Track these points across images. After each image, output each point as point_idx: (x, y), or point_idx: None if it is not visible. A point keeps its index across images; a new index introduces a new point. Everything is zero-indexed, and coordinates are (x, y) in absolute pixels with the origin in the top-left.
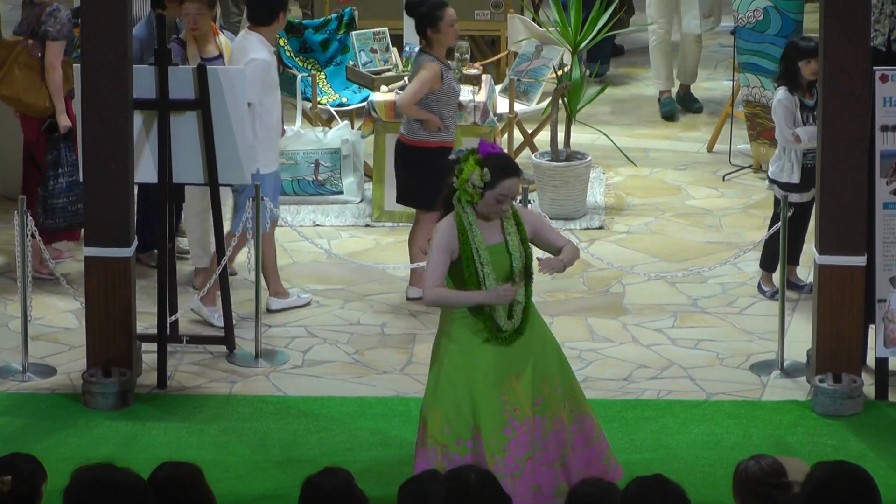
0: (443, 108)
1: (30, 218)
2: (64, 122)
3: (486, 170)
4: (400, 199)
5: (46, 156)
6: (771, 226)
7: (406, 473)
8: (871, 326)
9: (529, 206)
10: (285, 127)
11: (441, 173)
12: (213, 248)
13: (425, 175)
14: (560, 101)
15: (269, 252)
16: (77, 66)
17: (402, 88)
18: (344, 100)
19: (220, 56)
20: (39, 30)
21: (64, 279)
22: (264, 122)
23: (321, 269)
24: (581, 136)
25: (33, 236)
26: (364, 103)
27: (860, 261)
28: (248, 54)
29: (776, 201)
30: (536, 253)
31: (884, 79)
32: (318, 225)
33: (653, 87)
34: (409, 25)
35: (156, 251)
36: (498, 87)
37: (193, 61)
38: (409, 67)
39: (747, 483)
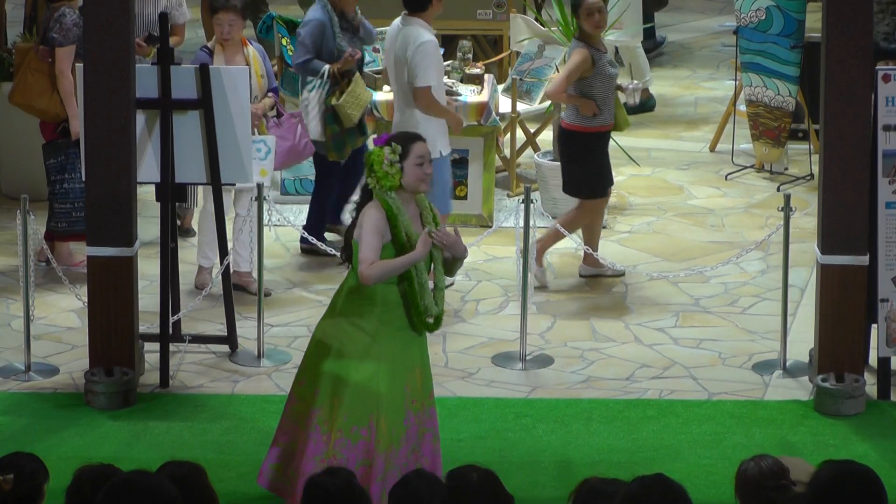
0: (596, 93)
1: (32, 217)
2: (75, 128)
3: (393, 144)
4: (565, 189)
5: (49, 160)
6: None
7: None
8: (874, 326)
9: (532, 205)
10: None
11: (596, 159)
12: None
13: (583, 160)
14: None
15: None
16: (80, 66)
17: None
18: None
19: (248, 67)
20: (48, 36)
21: (66, 279)
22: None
23: (322, 269)
24: None
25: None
26: None
27: (862, 260)
28: (416, 39)
29: None
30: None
31: (886, 78)
32: None
33: (654, 88)
34: None
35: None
36: (500, 87)
37: None
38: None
39: (747, 484)
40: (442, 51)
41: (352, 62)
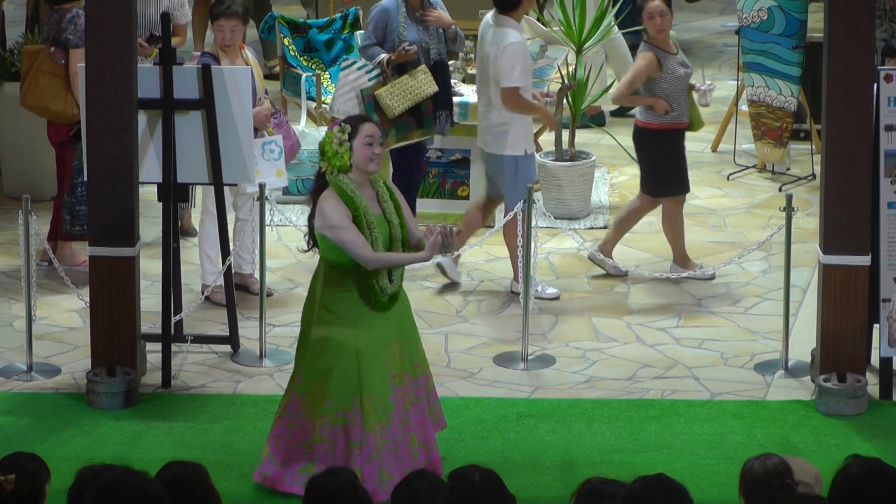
0: (666, 93)
1: (34, 218)
2: None
3: (342, 124)
4: (641, 186)
5: (74, 161)
6: None
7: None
8: (876, 326)
9: (534, 205)
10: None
11: (670, 156)
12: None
13: (655, 157)
14: (564, 101)
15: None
16: (81, 66)
17: None
18: None
19: (250, 67)
20: (61, 37)
21: (68, 279)
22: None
23: None
24: (585, 136)
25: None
26: None
27: (864, 260)
28: (504, 39)
29: None
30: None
31: (888, 78)
32: None
33: None
34: None
35: None
36: None
37: None
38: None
39: (752, 482)
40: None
41: (405, 56)
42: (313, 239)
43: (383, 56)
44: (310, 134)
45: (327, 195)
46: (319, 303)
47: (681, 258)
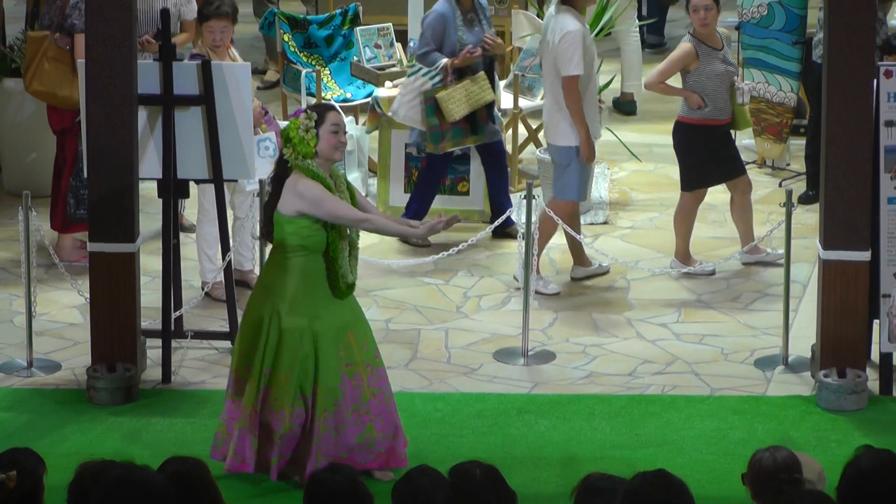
0: (702, 88)
1: (34, 214)
2: None
3: (307, 112)
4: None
5: (79, 146)
6: None
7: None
8: (876, 321)
9: (534, 201)
10: None
11: (699, 151)
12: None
13: (687, 151)
14: None
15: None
16: (81, 62)
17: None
18: (348, 95)
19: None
20: (66, 23)
21: (68, 274)
22: (583, 94)
23: None
24: None
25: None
26: (368, 99)
27: (864, 256)
28: (562, 28)
29: None
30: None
31: (888, 74)
32: None
33: None
34: (413, 21)
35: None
36: (502, 83)
37: None
38: (413, 63)
39: (760, 474)
40: None
41: (471, 59)
42: (269, 225)
43: (445, 61)
44: None
45: (297, 177)
46: (278, 293)
47: (683, 254)
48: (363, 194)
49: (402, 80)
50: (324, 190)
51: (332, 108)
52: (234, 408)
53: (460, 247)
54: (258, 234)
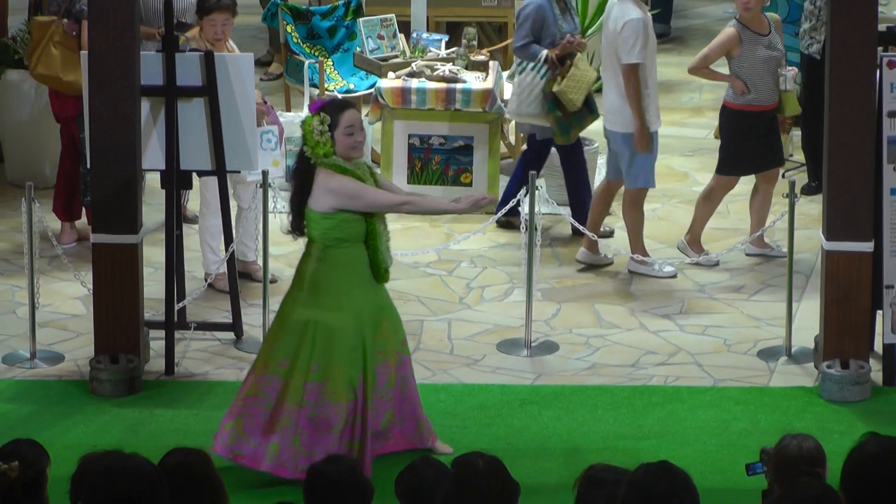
0: (745, 73)
1: (37, 205)
2: None
3: (321, 114)
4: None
5: (81, 132)
6: None
7: (412, 458)
8: (879, 312)
9: (537, 192)
10: (293, 113)
11: (744, 136)
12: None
13: (730, 136)
14: None
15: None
16: (84, 53)
17: (409, 75)
18: (351, 86)
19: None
20: (73, 9)
21: (71, 266)
22: (645, 82)
23: None
24: None
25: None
26: (371, 90)
27: (867, 247)
28: (624, 16)
29: None
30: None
31: (891, 65)
32: None
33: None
34: (416, 12)
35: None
36: (505, 74)
37: None
38: (417, 54)
39: (784, 460)
40: (446, 38)
41: (570, 48)
42: (299, 219)
43: (546, 52)
44: None
45: (326, 175)
46: (322, 289)
47: (694, 239)
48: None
49: (405, 70)
50: (357, 183)
51: (347, 107)
52: (254, 403)
53: (464, 236)
54: (286, 229)
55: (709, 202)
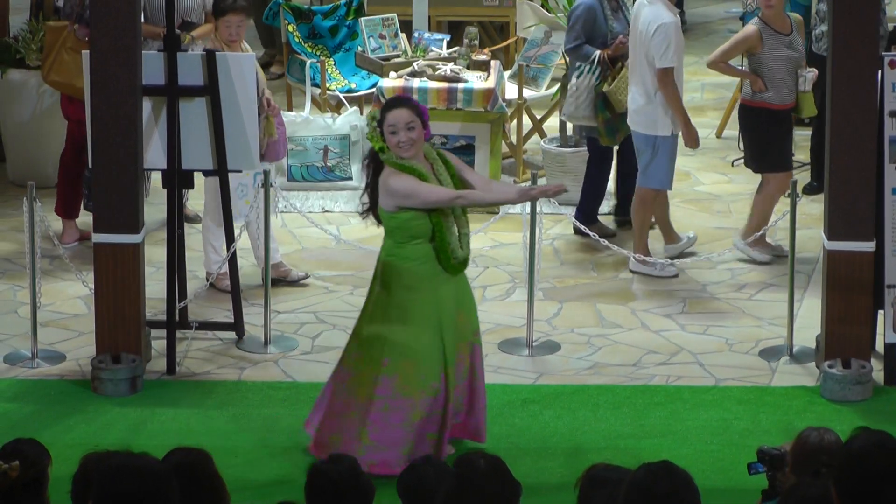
0: (764, 71)
1: (39, 205)
2: None
3: (372, 110)
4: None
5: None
6: None
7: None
8: (880, 312)
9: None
10: (295, 113)
11: (762, 134)
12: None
13: (752, 133)
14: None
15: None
16: (86, 53)
17: (411, 75)
18: (353, 86)
19: (254, 54)
20: (85, 14)
21: (73, 265)
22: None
23: (330, 255)
24: None
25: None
26: (373, 89)
27: (869, 246)
28: (657, 20)
29: None
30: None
31: (892, 64)
32: (326, 211)
33: None
34: (418, 11)
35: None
36: (507, 73)
37: None
38: (418, 53)
39: (804, 450)
40: (448, 37)
41: (623, 48)
42: (375, 209)
43: (599, 52)
44: (314, 120)
45: (387, 173)
46: (398, 283)
47: (751, 232)
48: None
49: (406, 70)
50: (412, 181)
51: (395, 106)
52: (343, 400)
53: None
54: (359, 210)
55: (764, 201)
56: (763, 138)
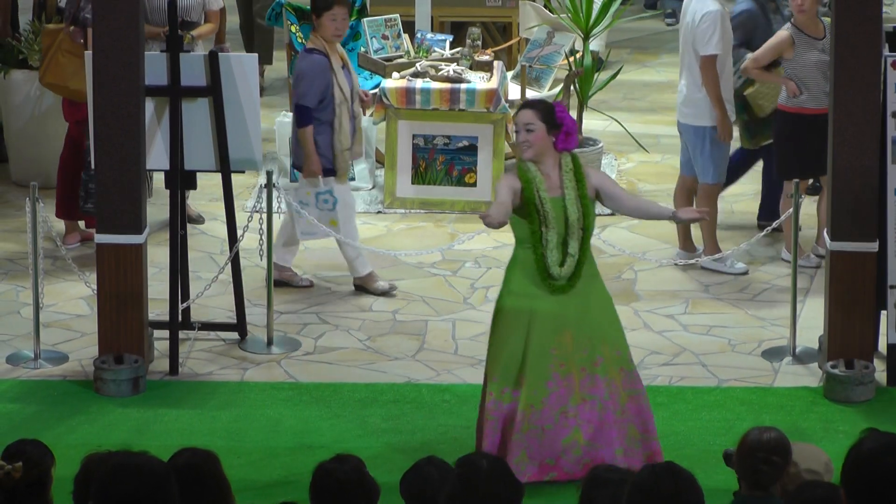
0: (798, 76)
1: (41, 205)
2: None
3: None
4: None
5: (88, 140)
6: None
7: (416, 458)
8: (883, 312)
9: None
10: None
11: (794, 141)
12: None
13: (784, 139)
14: (572, 88)
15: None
16: (88, 54)
17: (413, 75)
18: None
19: (345, 66)
20: (79, 16)
21: (75, 266)
22: (720, 73)
23: (333, 256)
24: (593, 123)
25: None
26: (376, 90)
27: (872, 247)
28: (702, 9)
29: None
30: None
31: (895, 65)
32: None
33: (663, 74)
34: (420, 12)
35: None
36: (510, 74)
37: (341, 75)
38: (421, 54)
39: (741, 449)
40: (451, 38)
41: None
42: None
43: (749, 55)
44: None
45: (511, 168)
46: (505, 281)
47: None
48: (370, 186)
49: (409, 70)
50: (503, 185)
51: (525, 105)
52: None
53: (469, 237)
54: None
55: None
56: (794, 144)
